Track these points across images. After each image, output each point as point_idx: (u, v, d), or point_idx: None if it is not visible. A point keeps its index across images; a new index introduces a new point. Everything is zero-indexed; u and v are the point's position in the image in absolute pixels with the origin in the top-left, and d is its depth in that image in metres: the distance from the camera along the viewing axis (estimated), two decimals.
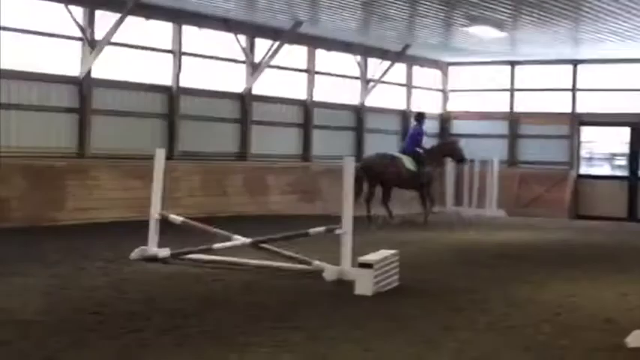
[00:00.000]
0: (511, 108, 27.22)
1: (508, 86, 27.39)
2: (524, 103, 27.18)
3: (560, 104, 26.56)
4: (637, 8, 17.61)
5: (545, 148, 26.45)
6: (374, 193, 19.83)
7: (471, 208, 25.08)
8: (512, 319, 8.90)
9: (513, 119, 27.06)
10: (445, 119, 28.04)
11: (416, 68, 27.09)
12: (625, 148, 26.01)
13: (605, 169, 26.97)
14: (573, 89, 26.42)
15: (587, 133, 26.67)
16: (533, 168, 26.40)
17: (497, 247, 16.28)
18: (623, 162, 26.20)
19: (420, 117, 20.99)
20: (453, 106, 28.20)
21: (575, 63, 26.19)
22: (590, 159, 27.00)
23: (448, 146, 21.84)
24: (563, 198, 25.55)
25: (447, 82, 28.26)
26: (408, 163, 20.11)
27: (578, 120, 26.29)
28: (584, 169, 26.59)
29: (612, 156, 27.02)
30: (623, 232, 20.39)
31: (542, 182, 25.91)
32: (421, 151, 20.43)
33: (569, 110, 26.35)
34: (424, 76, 27.63)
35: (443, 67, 27.99)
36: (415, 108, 26.89)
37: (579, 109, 26.33)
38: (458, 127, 27.89)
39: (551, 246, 16.87)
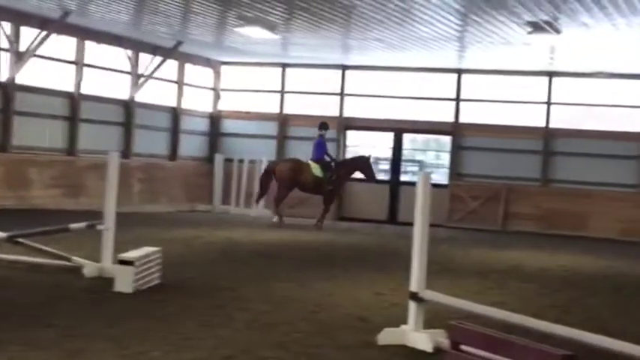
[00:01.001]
0: (281, 109, 27.56)
1: (279, 88, 27.71)
2: (295, 105, 27.59)
3: (329, 107, 27.14)
4: (402, 18, 18.26)
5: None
6: (286, 195, 22.05)
7: (238, 207, 25.28)
8: (270, 317, 9.01)
9: (283, 120, 27.41)
10: (216, 118, 28.03)
11: (188, 66, 26.92)
12: (388, 153, 26.91)
13: None
14: (341, 94, 27.07)
15: (353, 137, 27.40)
16: None
17: (261, 246, 16.45)
18: (387, 166, 27.09)
19: (324, 126, 22.35)
20: (225, 105, 28.24)
21: (344, 68, 26.86)
22: None
23: (361, 162, 22.54)
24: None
25: (219, 81, 28.27)
26: (316, 170, 21.58)
27: (344, 124, 26.98)
28: None
29: (376, 160, 27.86)
30: (383, 235, 21.09)
31: None
32: (329, 160, 21.89)
33: (336, 114, 26.97)
34: (196, 73, 27.52)
35: (216, 65, 27.98)
36: (187, 105, 26.79)
37: (346, 114, 27.01)
38: (228, 126, 27.97)
39: (314, 246, 17.22)
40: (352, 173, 22.52)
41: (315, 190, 22.08)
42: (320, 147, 22.00)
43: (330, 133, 26.76)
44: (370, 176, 22.49)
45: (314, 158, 21.87)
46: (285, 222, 21.72)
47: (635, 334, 8.50)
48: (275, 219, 21.79)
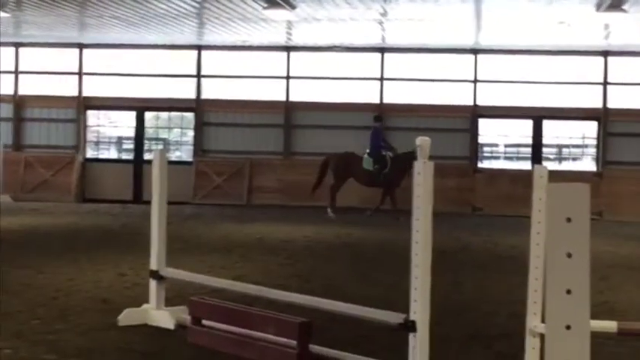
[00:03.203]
0: (15, 90, 26.47)
1: (13, 68, 26.57)
2: (31, 86, 26.56)
3: (67, 87, 26.32)
4: None
5: (52, 132, 26.17)
6: (340, 186, 22.02)
7: None
8: (6, 306, 8.65)
9: (18, 102, 26.37)
10: None
11: None
12: (131, 132, 26.51)
13: (112, 153, 27.29)
14: (79, 73, 26.29)
15: (93, 116, 26.76)
16: (40, 152, 25.98)
17: None
18: (130, 145, 26.71)
19: (379, 118, 22.84)
20: None
21: (82, 46, 26.16)
22: (97, 143, 27.13)
23: (412, 158, 21.35)
24: (69, 182, 25.46)
25: None
26: (366, 163, 21.83)
27: (84, 103, 26.27)
28: (91, 153, 26.68)
29: (120, 140, 27.44)
30: (128, 215, 20.78)
31: (48, 166, 25.61)
32: (386, 153, 21.90)
33: (76, 94, 26.19)
34: None
35: None
36: None
37: (86, 93, 26.28)
38: None
39: (56, 230, 16.75)
40: (407, 168, 21.98)
41: (368, 183, 22.16)
42: (374, 141, 22.10)
43: (69, 113, 26.16)
44: None
45: (369, 151, 22.04)
46: (333, 215, 20.95)
47: (370, 297, 8.86)
48: (330, 213, 21.15)
